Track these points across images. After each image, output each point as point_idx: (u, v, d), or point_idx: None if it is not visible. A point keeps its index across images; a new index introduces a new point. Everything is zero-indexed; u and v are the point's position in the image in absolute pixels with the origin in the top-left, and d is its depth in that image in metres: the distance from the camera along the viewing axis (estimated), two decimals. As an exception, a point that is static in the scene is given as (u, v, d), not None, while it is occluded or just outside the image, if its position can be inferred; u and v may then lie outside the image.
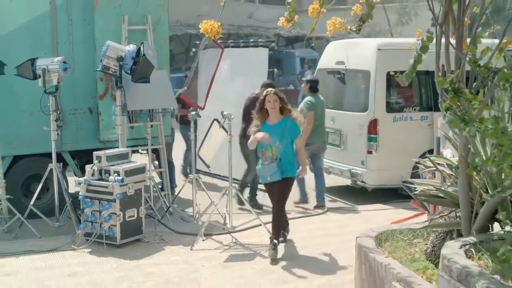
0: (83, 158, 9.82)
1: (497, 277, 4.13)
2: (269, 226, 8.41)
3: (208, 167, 9.23)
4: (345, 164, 10.72)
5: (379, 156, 10.27)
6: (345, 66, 10.80)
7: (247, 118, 9.42)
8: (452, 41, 4.80)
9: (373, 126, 10.25)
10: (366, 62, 10.42)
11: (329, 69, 11.28)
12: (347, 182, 10.99)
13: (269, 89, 7.95)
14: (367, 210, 9.83)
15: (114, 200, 7.79)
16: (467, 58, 4.42)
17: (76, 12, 9.52)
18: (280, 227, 7.90)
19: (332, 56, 11.40)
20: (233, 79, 11.48)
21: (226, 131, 8.35)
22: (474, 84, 4.34)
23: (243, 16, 38.20)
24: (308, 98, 10.10)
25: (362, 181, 10.49)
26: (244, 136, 9.54)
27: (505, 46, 4.15)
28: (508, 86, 3.66)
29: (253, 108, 9.46)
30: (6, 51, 8.73)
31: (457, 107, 3.95)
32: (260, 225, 8.39)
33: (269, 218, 9.27)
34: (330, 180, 11.20)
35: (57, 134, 8.75)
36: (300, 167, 8.16)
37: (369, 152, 10.30)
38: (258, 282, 6.60)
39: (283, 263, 7.33)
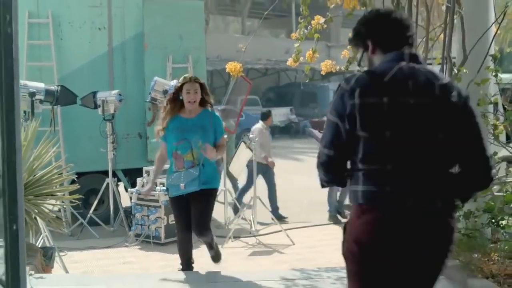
0: (133, 175, 11.46)
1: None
2: (289, 232, 10.11)
3: (236, 180, 10.89)
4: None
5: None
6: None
7: None
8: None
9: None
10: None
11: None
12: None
13: (187, 75, 6.44)
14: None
15: (160, 206, 9.53)
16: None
17: (129, 53, 11.32)
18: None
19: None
20: None
21: (251, 150, 10.07)
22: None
23: (280, 51, 40.05)
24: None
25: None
26: None
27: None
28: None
29: None
30: (72, 85, 10.47)
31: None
32: (281, 231, 10.05)
33: (288, 225, 11.04)
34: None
35: (113, 154, 10.53)
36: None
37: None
38: (273, 269, 8.24)
39: (297, 256, 8.98)
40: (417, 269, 3.11)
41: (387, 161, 3.02)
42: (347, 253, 3.16)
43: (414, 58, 3.23)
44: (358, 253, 3.09)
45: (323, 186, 3.36)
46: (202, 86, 6.29)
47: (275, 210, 11.71)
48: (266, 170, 11.81)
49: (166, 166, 6.99)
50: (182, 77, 6.34)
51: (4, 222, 2.24)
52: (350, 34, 3.50)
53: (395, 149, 3.03)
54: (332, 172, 3.21)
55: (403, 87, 3.09)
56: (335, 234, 10.49)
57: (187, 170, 6.10)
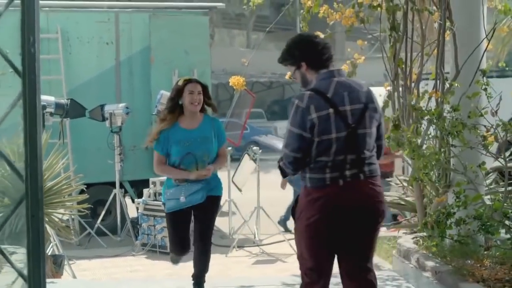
0: (140, 186, 11.70)
1: (430, 254, 6.01)
2: (292, 242, 10.31)
3: (240, 191, 11.11)
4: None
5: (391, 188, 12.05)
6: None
7: None
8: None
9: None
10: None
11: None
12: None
13: (187, 77, 5.89)
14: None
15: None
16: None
17: (136, 67, 11.61)
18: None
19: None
20: None
21: (255, 162, 10.32)
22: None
23: (286, 64, 40.29)
24: None
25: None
26: None
27: (431, 95, 6.09)
28: (426, 120, 5.58)
29: None
30: (80, 98, 10.76)
31: (398, 136, 5.89)
32: (284, 240, 10.27)
33: (291, 235, 11.23)
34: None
35: (120, 166, 10.79)
36: None
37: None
38: (275, 275, 8.48)
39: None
40: (357, 229, 4.08)
41: (330, 155, 4.03)
42: (301, 224, 4.14)
43: (340, 72, 4.31)
44: (307, 220, 4.09)
45: (285, 176, 4.47)
46: (204, 88, 5.75)
47: (285, 220, 11.92)
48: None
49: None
50: (181, 79, 5.70)
51: (26, 221, 2.46)
52: (280, 55, 4.46)
53: (337, 145, 4.00)
54: (298, 168, 4.15)
55: (341, 99, 4.05)
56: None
57: (190, 183, 5.57)
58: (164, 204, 5.91)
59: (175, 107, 5.63)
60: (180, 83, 5.61)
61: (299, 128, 4.04)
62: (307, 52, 4.28)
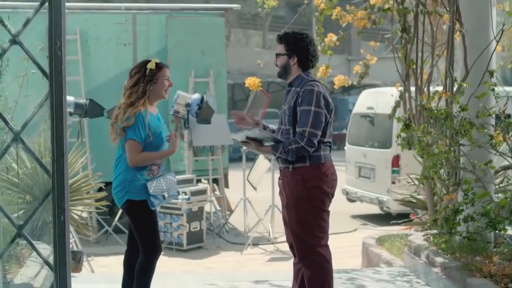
0: (156, 185, 11.94)
1: (440, 250, 6.14)
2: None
3: (255, 189, 11.28)
4: (374, 193, 12.65)
5: (401, 186, 12.17)
6: (374, 111, 12.83)
7: None
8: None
9: (396, 161, 12.21)
10: (389, 107, 12.43)
11: (361, 114, 13.34)
12: (376, 208, 13.02)
13: (155, 59, 4.98)
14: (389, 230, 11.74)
15: (182, 214, 9.97)
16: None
17: (153, 67, 11.86)
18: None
19: (364, 102, 13.46)
20: None
21: (269, 161, 10.50)
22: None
23: (301, 65, 40.39)
24: None
25: (387, 207, 12.43)
26: None
27: (440, 95, 6.23)
28: (434, 120, 5.72)
29: None
30: (98, 98, 10.97)
31: (409, 136, 6.03)
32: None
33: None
34: (362, 207, 13.28)
35: (137, 164, 10.96)
36: None
37: (393, 183, 12.24)
38: (289, 272, 8.63)
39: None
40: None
41: (330, 135, 4.74)
42: (315, 192, 4.66)
43: None
44: (323, 187, 4.67)
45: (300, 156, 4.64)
46: None
47: None
48: None
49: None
50: (152, 62, 4.95)
51: (53, 214, 2.63)
52: (278, 34, 4.86)
53: (329, 129, 4.72)
54: (316, 145, 4.60)
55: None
56: (350, 242, 10.89)
57: (166, 175, 5.14)
58: (130, 201, 5.08)
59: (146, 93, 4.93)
60: (153, 66, 4.88)
61: (324, 108, 4.58)
62: (306, 50, 4.70)
